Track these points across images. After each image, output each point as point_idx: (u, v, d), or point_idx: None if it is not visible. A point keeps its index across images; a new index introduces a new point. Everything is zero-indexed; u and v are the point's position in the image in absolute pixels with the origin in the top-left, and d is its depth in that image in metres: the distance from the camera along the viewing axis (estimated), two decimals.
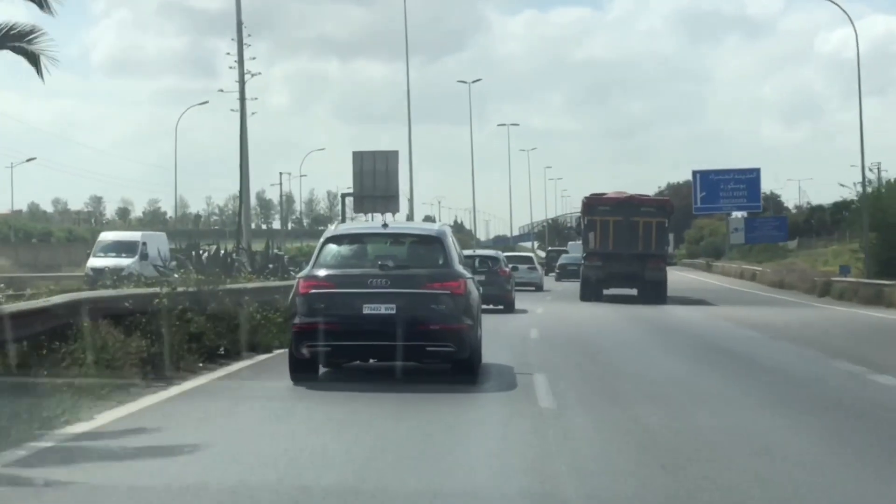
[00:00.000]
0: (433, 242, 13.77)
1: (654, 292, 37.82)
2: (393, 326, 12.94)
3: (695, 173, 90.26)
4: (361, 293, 13.02)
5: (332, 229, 14.71)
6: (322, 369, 14.09)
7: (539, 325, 25.07)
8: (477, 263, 27.35)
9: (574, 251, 78.09)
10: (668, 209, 40.06)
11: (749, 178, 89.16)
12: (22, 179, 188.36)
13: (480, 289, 15.40)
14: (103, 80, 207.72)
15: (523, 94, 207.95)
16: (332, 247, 13.81)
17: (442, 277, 13.25)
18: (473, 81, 79.43)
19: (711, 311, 33.13)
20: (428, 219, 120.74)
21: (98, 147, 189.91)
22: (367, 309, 12.97)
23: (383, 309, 12.98)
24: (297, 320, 13.21)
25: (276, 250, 32.14)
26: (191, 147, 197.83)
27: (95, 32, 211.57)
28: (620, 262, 38.31)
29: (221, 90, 44.49)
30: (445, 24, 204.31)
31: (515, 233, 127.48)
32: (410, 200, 51.02)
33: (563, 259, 67.97)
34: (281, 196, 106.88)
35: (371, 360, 13.94)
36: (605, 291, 39.07)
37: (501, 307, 30.73)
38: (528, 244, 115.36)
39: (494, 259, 34.06)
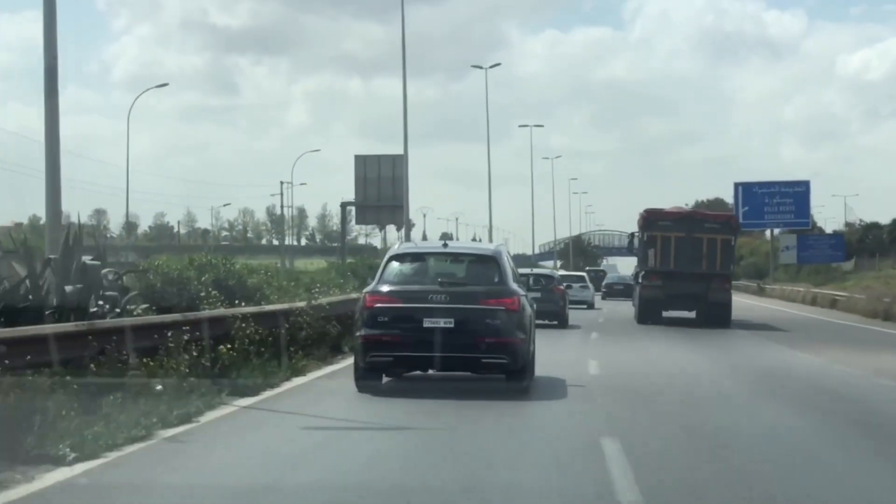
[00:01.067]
0: (489, 261, 14.93)
1: (718, 315, 35.56)
2: (451, 339, 14.22)
3: (737, 186, 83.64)
4: (422, 308, 14.24)
5: (396, 248, 16.02)
6: (385, 379, 15.12)
7: (603, 406, 14.50)
8: (532, 282, 28.51)
9: (611, 270, 79.25)
10: (734, 225, 38.21)
11: (797, 192, 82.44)
12: (28, 192, 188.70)
13: (534, 305, 16.57)
14: (124, 96, 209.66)
15: (545, 113, 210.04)
16: (396, 264, 15.01)
17: (497, 294, 14.40)
18: (491, 66, 71.55)
19: (857, 362, 22.55)
20: (445, 236, 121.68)
21: (116, 162, 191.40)
22: (428, 322, 14.15)
23: (442, 323, 14.14)
24: (362, 332, 14.39)
25: (88, 259, 17.14)
26: (210, 160, 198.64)
27: (116, 48, 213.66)
28: (682, 282, 35.87)
29: None
30: (466, 42, 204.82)
31: (536, 251, 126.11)
32: (407, 222, 45.36)
33: (608, 279, 72.65)
34: (282, 206, 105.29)
35: (429, 371, 14.90)
36: (665, 314, 37.18)
37: (556, 322, 33.04)
38: (549, 263, 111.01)
39: (550, 277, 36.54)
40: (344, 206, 50.23)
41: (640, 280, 37.94)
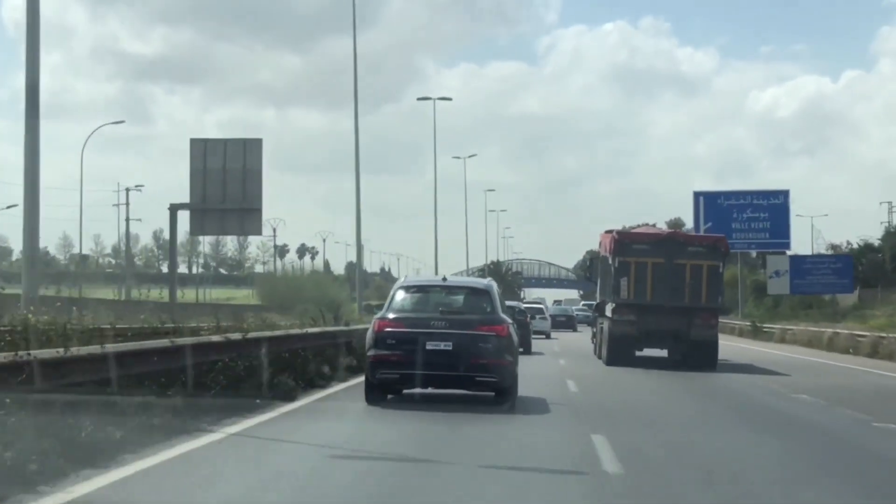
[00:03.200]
0: (483, 294, 17.75)
1: (702, 356, 32.22)
2: (449, 359, 17.47)
3: (697, 195, 71.35)
4: (425, 332, 17.29)
5: (402, 281, 18.68)
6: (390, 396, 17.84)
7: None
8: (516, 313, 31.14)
9: (543, 303, 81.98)
10: (723, 249, 33.86)
11: (774, 205, 69.76)
12: None
13: (519, 333, 18.83)
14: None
15: (460, 145, 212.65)
16: (402, 294, 17.58)
17: (489, 322, 17.27)
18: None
19: None
20: (350, 265, 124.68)
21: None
22: (429, 345, 17.13)
23: (442, 345, 17.07)
24: (372, 352, 16.96)
25: None
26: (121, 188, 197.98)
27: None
28: (661, 317, 32.34)
29: None
30: (383, 74, 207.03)
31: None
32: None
33: (552, 311, 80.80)
34: (128, 219, 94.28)
35: (429, 388, 17.23)
36: (638, 353, 34.32)
37: (522, 349, 34.50)
38: None
39: (521, 311, 43.27)
40: (174, 209, 34.85)
41: (608, 314, 34.42)
